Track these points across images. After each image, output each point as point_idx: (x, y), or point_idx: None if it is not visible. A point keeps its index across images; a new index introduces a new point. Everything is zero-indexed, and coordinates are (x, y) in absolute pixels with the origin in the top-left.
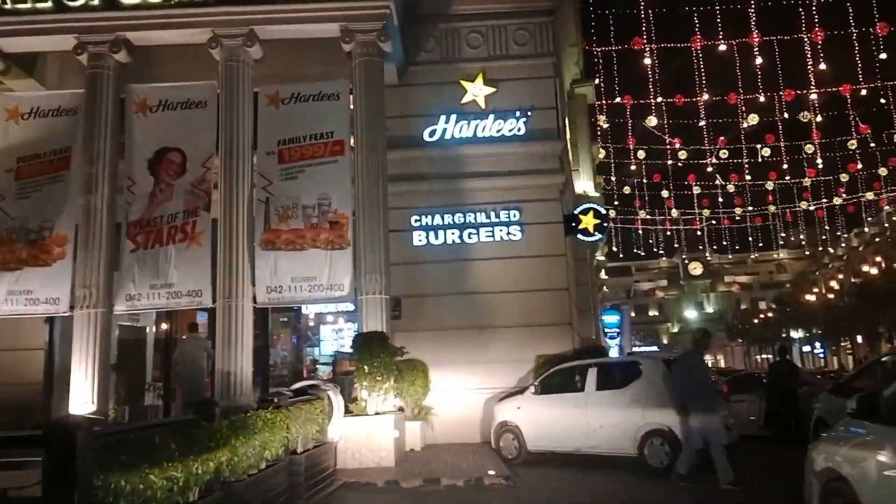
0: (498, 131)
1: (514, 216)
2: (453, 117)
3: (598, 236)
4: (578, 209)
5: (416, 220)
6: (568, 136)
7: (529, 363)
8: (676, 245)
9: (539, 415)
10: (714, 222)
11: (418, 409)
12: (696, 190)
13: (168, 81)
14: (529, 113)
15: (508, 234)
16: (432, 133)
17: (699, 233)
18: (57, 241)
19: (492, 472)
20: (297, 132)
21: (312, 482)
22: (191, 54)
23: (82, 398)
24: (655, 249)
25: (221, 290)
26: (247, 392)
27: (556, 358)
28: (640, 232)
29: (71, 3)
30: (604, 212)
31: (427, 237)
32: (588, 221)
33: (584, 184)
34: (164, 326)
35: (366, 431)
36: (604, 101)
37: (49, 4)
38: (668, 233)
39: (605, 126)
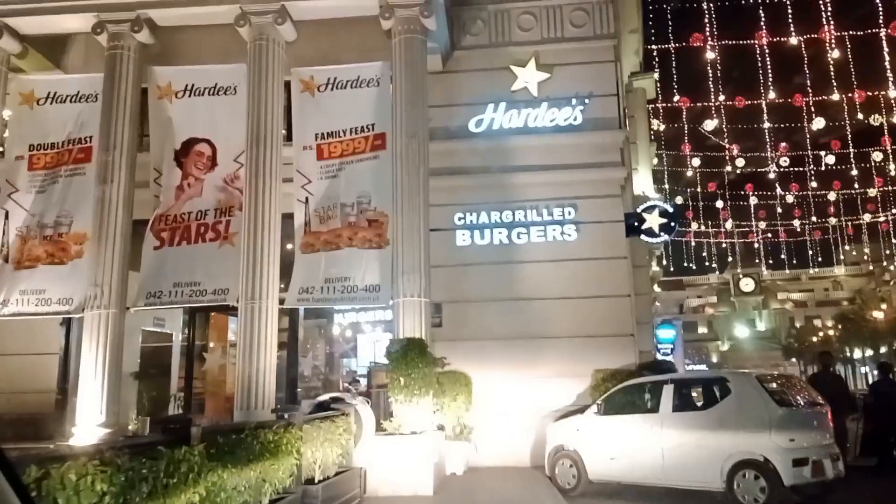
0: (552, 121)
1: (570, 214)
2: (502, 106)
3: (665, 237)
4: (642, 207)
5: (459, 218)
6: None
7: (586, 378)
8: (730, 259)
9: (603, 439)
10: (770, 235)
11: (461, 427)
12: (753, 200)
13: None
14: (587, 100)
15: (563, 233)
16: (479, 123)
17: (756, 245)
18: (75, 238)
19: None
20: (336, 125)
21: None
22: (219, 39)
23: (92, 408)
24: (707, 263)
25: (244, 290)
26: (269, 405)
27: (617, 373)
28: (693, 244)
29: None
30: (671, 210)
31: (472, 237)
32: (653, 220)
33: (643, 184)
34: (188, 332)
35: (401, 453)
36: (659, 102)
37: None
38: (724, 245)
39: (660, 128)
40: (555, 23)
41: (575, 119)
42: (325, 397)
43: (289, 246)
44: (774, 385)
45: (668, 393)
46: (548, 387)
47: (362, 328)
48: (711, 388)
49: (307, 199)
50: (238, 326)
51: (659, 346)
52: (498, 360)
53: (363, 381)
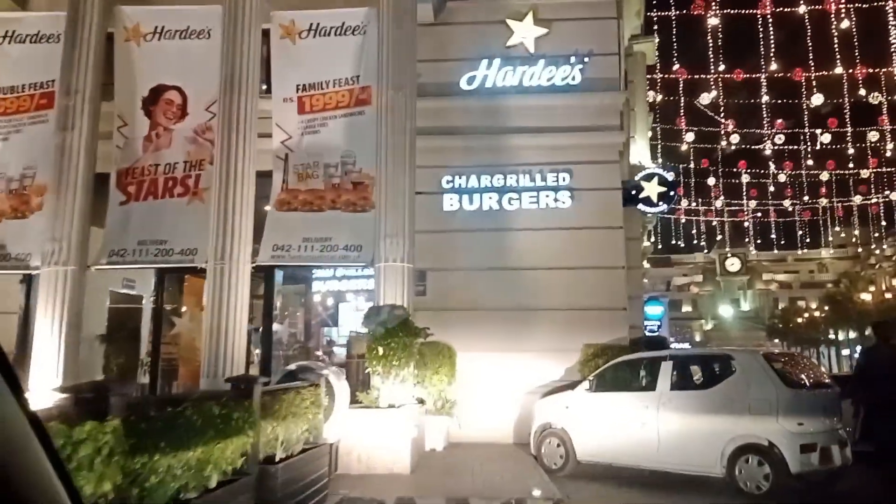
0: (548, 80)
1: (564, 180)
2: (496, 62)
3: (663, 207)
4: (640, 175)
5: (448, 182)
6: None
7: (575, 353)
8: (719, 237)
9: (594, 417)
10: (760, 215)
11: (442, 401)
12: (746, 178)
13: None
14: (586, 59)
15: (556, 200)
16: (471, 80)
17: (746, 224)
18: (37, 190)
19: (537, 493)
20: (319, 76)
21: (295, 501)
22: None
23: (47, 372)
24: (696, 242)
25: (214, 249)
26: (238, 373)
27: (607, 348)
28: (682, 221)
29: None
30: (670, 179)
31: (460, 201)
32: (651, 189)
33: (641, 154)
34: (157, 295)
35: (377, 427)
36: (657, 71)
37: None
38: (713, 223)
39: (657, 98)
40: None
41: (573, 78)
42: (294, 366)
43: (266, 208)
44: (782, 364)
45: (666, 370)
46: (535, 361)
47: (345, 297)
48: (714, 366)
49: (286, 155)
50: (206, 288)
51: (646, 322)
52: (484, 331)
53: (342, 351)
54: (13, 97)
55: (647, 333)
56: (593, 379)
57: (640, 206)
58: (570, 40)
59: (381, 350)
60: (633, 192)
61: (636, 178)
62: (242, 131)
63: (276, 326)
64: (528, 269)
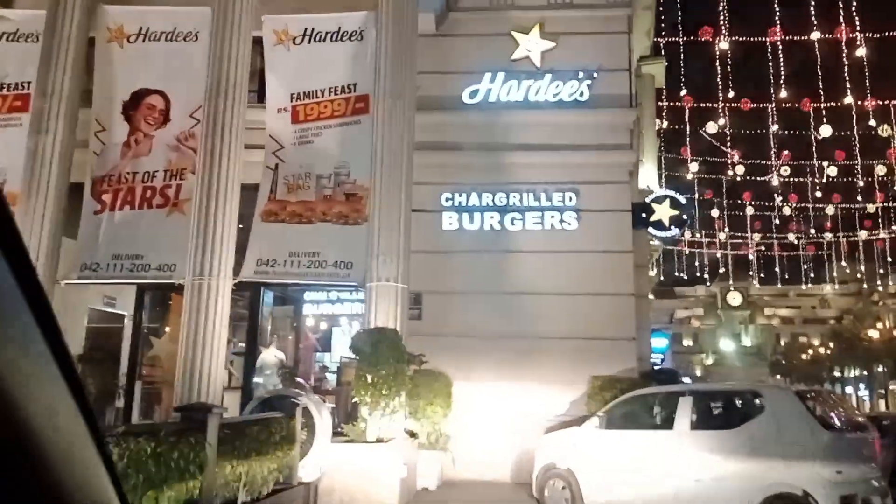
0: (555, 95)
1: (570, 200)
2: (500, 76)
3: (675, 232)
4: (652, 196)
5: (447, 199)
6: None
7: (581, 385)
8: (721, 270)
9: (604, 458)
10: (763, 248)
11: (436, 435)
12: (750, 211)
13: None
14: (595, 74)
15: (562, 221)
16: (473, 94)
17: (750, 258)
18: (8, 198)
19: None
20: (314, 83)
21: None
22: None
23: None
24: (698, 274)
25: (192, 264)
26: (215, 399)
27: (616, 381)
28: (686, 253)
29: None
30: (683, 202)
31: (460, 220)
32: (663, 212)
33: (649, 178)
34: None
35: (362, 464)
36: (663, 97)
37: None
38: (717, 255)
39: (660, 126)
40: None
41: (581, 94)
42: (268, 394)
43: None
44: (815, 402)
45: (685, 406)
46: (538, 393)
47: (338, 321)
48: (739, 402)
49: (276, 165)
50: (183, 307)
51: (652, 355)
52: (483, 360)
53: (331, 379)
54: None
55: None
56: (603, 415)
57: (651, 230)
58: (579, 55)
59: (369, 377)
60: (644, 215)
61: (647, 199)
62: (228, 139)
63: (261, 350)
64: (532, 293)
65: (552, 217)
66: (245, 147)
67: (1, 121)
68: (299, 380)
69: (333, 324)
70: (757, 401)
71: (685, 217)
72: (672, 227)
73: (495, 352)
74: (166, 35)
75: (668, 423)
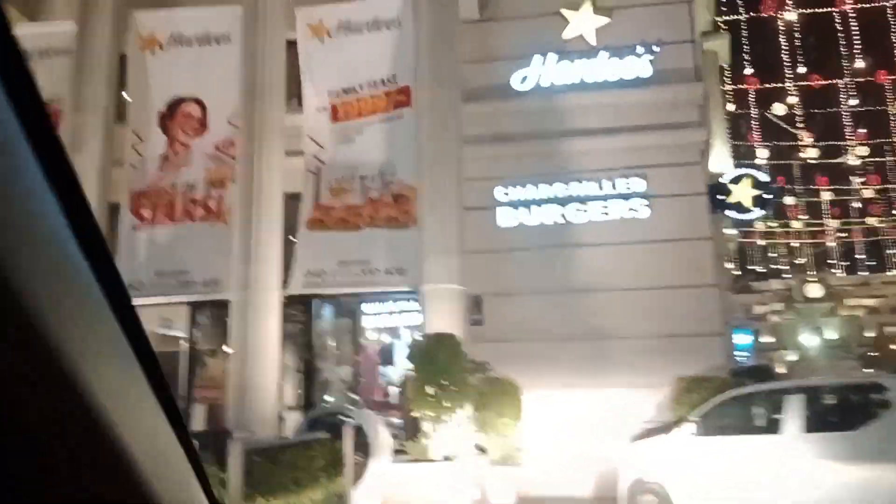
0: (613, 74)
1: (638, 186)
2: (552, 57)
3: (758, 213)
4: (729, 177)
5: (503, 194)
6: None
7: (665, 388)
8: (799, 261)
9: (702, 469)
10: (846, 235)
11: (507, 449)
12: (827, 196)
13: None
14: (656, 48)
15: (631, 209)
16: (524, 79)
17: (830, 245)
18: None
19: None
20: (352, 78)
21: None
22: None
23: None
24: (774, 266)
25: (238, 278)
26: (270, 419)
27: (704, 382)
28: (758, 244)
29: None
30: (765, 179)
31: (517, 216)
32: (742, 193)
33: (720, 161)
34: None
35: (427, 486)
36: (727, 80)
37: None
38: (793, 245)
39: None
40: None
41: (642, 71)
42: (317, 413)
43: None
44: None
45: (794, 406)
46: (617, 398)
47: (400, 332)
48: (860, 398)
49: (318, 169)
50: (230, 323)
51: (735, 354)
52: (554, 365)
53: (395, 392)
54: None
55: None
56: (697, 420)
57: (731, 213)
58: (636, 29)
59: (430, 391)
60: (721, 198)
61: (722, 180)
62: (268, 143)
63: (320, 366)
64: (603, 290)
65: (619, 206)
66: (287, 154)
67: None
68: (352, 395)
69: (395, 335)
70: (881, 395)
71: (767, 197)
72: (755, 208)
73: (567, 355)
74: (198, 39)
75: (773, 427)
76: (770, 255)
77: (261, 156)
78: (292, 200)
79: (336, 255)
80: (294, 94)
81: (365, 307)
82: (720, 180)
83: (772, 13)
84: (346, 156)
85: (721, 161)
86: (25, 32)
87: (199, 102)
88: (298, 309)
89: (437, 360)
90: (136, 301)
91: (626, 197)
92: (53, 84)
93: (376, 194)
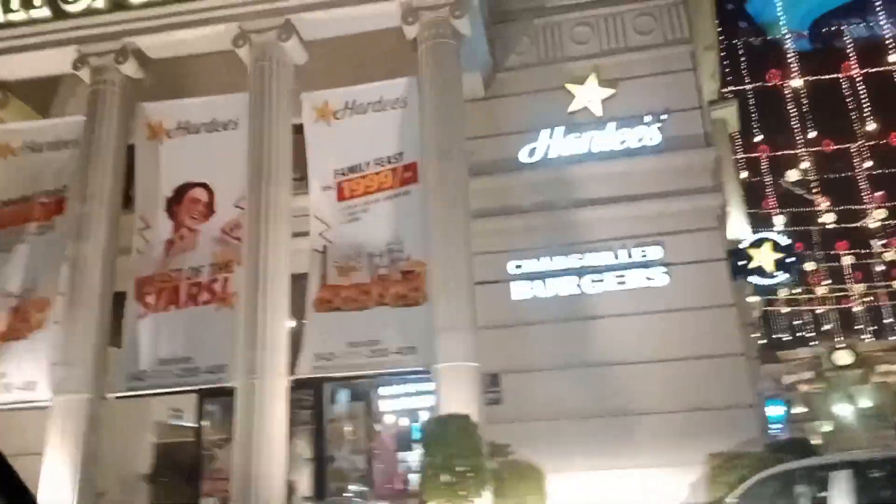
0: (622, 143)
1: (655, 254)
2: (559, 130)
3: (781, 277)
4: (747, 242)
5: (515, 267)
6: None
7: (698, 466)
8: (825, 327)
9: None
10: (871, 299)
11: None
12: (848, 260)
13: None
14: (664, 116)
15: (648, 278)
16: (531, 152)
17: (856, 309)
18: (36, 305)
19: None
20: (358, 157)
21: None
22: (218, 70)
23: None
24: (800, 334)
25: (243, 363)
26: None
27: (738, 458)
28: (782, 312)
29: (71, 8)
30: (786, 243)
31: (532, 289)
32: (764, 257)
33: (738, 228)
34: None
35: None
36: (738, 148)
37: (46, 12)
38: (817, 312)
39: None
40: (616, 32)
41: (651, 139)
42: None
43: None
44: None
45: (842, 482)
46: (647, 479)
47: (418, 416)
48: None
49: (325, 248)
50: (236, 410)
51: (768, 426)
52: (578, 446)
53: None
54: (24, 206)
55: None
56: (738, 500)
57: (753, 279)
58: (643, 99)
59: (442, 477)
60: (741, 263)
61: (741, 246)
62: (273, 224)
63: (333, 454)
64: (625, 363)
65: (636, 274)
66: (293, 236)
67: (38, 229)
68: (364, 485)
69: (413, 418)
70: None
71: (790, 260)
72: (778, 272)
73: (591, 435)
74: (205, 126)
75: None
76: (795, 322)
77: (267, 238)
78: (299, 282)
79: (345, 336)
80: (300, 175)
81: (380, 390)
82: (739, 246)
83: (778, 81)
84: (353, 234)
85: (739, 228)
86: (36, 126)
87: (206, 187)
88: (308, 393)
89: (451, 443)
90: (139, 393)
91: (643, 265)
92: (61, 174)
93: (385, 271)
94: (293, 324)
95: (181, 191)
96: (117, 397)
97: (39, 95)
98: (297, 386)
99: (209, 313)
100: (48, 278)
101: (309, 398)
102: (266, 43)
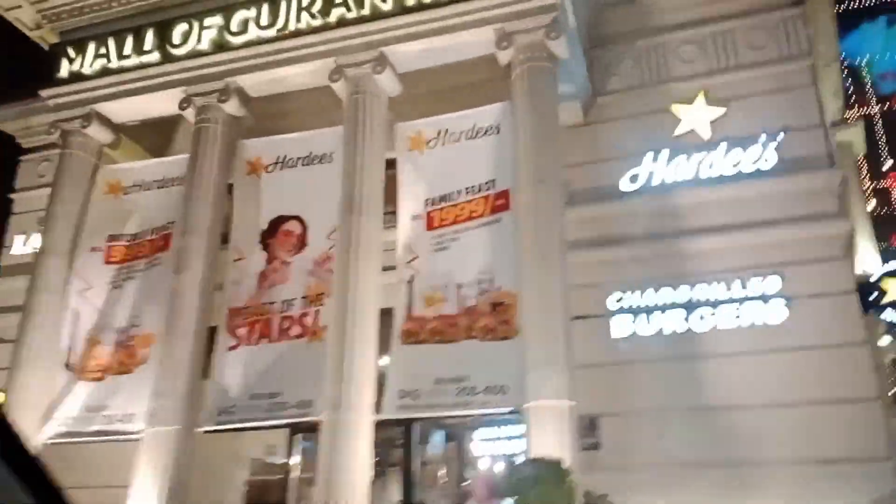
0: (734, 166)
1: (773, 287)
2: (664, 154)
3: None
4: (883, 271)
5: (616, 301)
6: None
7: None
8: None
9: None
10: None
11: None
12: None
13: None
14: (781, 135)
15: (766, 313)
16: (634, 179)
17: None
18: (143, 340)
19: None
20: (449, 186)
21: None
22: (316, 105)
23: None
24: None
25: (328, 397)
26: None
27: None
28: None
29: (177, 52)
30: None
31: (634, 325)
32: None
33: (867, 262)
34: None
35: None
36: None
37: (156, 57)
38: None
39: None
40: (726, 48)
41: (766, 161)
42: None
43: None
44: None
45: None
46: None
47: (513, 461)
48: None
49: (412, 278)
50: (319, 447)
51: None
52: (686, 496)
53: None
54: (132, 243)
55: None
56: None
57: (887, 315)
58: (756, 118)
59: None
60: (873, 297)
61: (872, 279)
62: (364, 257)
63: (420, 498)
64: (739, 407)
65: (752, 309)
66: (384, 269)
67: (146, 264)
68: None
69: (509, 462)
70: None
71: None
72: None
73: (701, 486)
74: (302, 160)
75: None
76: None
77: (357, 270)
78: (387, 317)
79: (431, 372)
80: (391, 210)
81: (476, 432)
82: (871, 279)
83: None
84: (442, 264)
85: (868, 261)
86: (145, 165)
87: (300, 220)
88: (399, 432)
89: (541, 491)
90: (228, 427)
91: (760, 299)
92: (167, 211)
93: (473, 303)
94: (382, 361)
95: (275, 224)
96: (205, 431)
97: (150, 136)
98: (387, 424)
99: (300, 347)
100: (153, 313)
101: (399, 437)
102: (360, 76)
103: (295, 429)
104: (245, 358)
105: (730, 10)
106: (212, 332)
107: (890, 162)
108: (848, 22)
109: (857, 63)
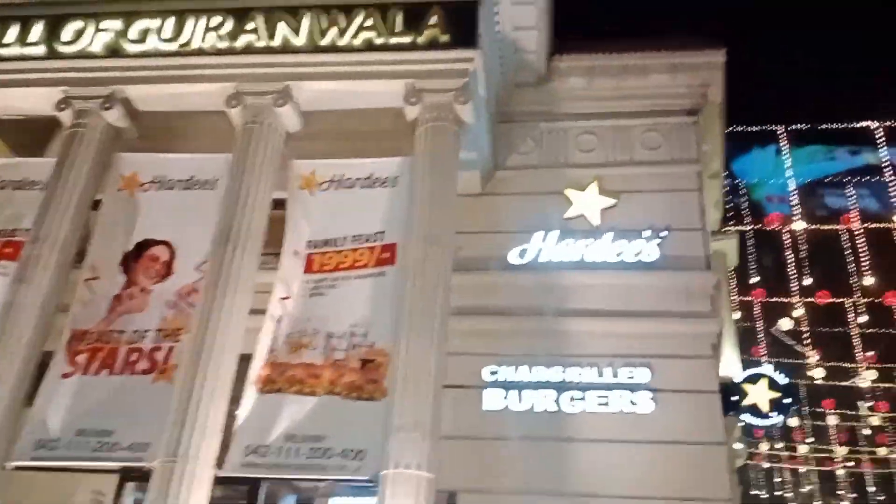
0: (617, 255)
1: (642, 377)
2: (553, 234)
3: (777, 418)
4: (742, 377)
5: (492, 373)
6: None
7: None
8: (807, 488)
9: None
10: (854, 464)
11: None
12: (833, 420)
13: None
14: (664, 233)
15: (633, 403)
16: (522, 253)
17: (839, 473)
18: None
19: None
20: (335, 231)
21: None
22: (208, 130)
23: None
24: (777, 493)
25: (167, 443)
26: None
27: None
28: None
29: (65, 49)
30: (784, 381)
31: (506, 399)
32: (759, 395)
33: (731, 367)
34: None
35: None
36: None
37: (41, 50)
38: (800, 471)
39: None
40: (622, 144)
41: (648, 255)
42: None
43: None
44: None
45: None
46: None
47: None
48: None
49: (280, 318)
50: (147, 496)
51: None
52: None
53: None
54: None
55: None
56: None
57: (746, 418)
58: (643, 213)
59: None
60: (734, 399)
61: (736, 380)
62: (232, 293)
63: None
64: (602, 496)
65: (621, 397)
66: (251, 312)
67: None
68: None
69: None
70: None
71: (787, 402)
72: (773, 413)
73: None
74: (183, 183)
75: None
76: (775, 479)
77: (221, 307)
78: (247, 363)
79: (283, 427)
80: (275, 251)
81: (332, 500)
82: (734, 380)
83: (777, 225)
84: (315, 309)
85: (731, 366)
86: (5, 163)
87: (168, 246)
88: (241, 492)
89: None
90: (45, 463)
91: (629, 388)
92: (21, 215)
93: (342, 356)
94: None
95: (142, 246)
96: (17, 467)
97: (18, 134)
98: (231, 481)
99: (144, 383)
100: None
101: (242, 498)
102: (260, 106)
103: (127, 475)
104: (79, 388)
105: (630, 109)
106: (44, 357)
107: (757, 278)
108: (742, 143)
109: (742, 182)
